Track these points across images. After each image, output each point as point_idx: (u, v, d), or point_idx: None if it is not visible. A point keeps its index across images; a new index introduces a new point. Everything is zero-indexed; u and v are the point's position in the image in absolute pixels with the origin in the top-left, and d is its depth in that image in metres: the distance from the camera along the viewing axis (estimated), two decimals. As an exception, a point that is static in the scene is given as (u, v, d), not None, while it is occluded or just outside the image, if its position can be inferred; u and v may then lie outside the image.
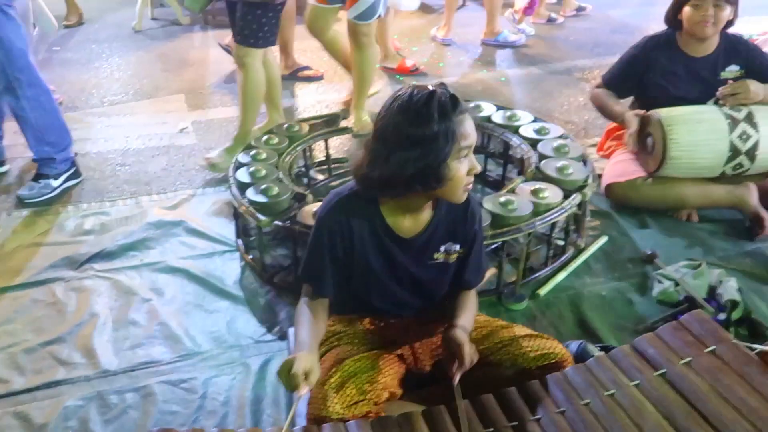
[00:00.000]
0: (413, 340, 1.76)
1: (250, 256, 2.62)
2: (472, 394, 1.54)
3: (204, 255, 2.66)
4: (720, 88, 2.78)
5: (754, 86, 2.72)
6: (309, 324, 1.64)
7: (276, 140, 2.88)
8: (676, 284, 2.37)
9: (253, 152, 2.75)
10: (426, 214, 1.67)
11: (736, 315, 2.22)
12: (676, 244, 2.69)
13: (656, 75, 2.90)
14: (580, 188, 2.53)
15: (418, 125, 1.47)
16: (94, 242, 2.72)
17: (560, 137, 2.86)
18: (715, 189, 2.79)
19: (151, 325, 2.29)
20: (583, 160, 2.71)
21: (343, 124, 3.15)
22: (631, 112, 2.84)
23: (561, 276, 2.49)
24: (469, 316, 1.72)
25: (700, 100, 2.83)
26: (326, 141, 3.08)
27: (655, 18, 3.87)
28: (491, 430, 1.44)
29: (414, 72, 4.56)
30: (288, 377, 1.44)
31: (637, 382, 1.50)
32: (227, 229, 2.79)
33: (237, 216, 2.68)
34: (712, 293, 2.32)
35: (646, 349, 1.57)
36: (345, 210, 1.63)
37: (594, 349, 1.94)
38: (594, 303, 2.38)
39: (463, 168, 1.53)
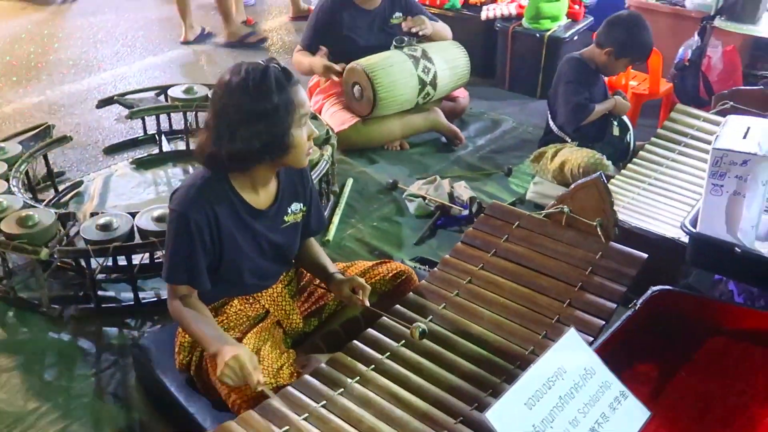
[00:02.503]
0: (284, 303, 1.88)
1: (22, 298, 2.30)
2: (359, 330, 1.75)
3: (-45, 316, 2.25)
4: (403, 24, 3.34)
5: (427, 20, 3.34)
6: (207, 321, 1.66)
7: (-9, 167, 2.51)
8: (424, 199, 2.87)
9: (-25, 185, 2.37)
10: (273, 184, 1.78)
11: (475, 208, 2.80)
12: (403, 170, 3.20)
13: (343, 29, 3.31)
14: (326, 141, 2.82)
15: (259, 100, 1.58)
16: None
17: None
18: (414, 118, 3.37)
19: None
20: (314, 116, 3.00)
21: None
22: (321, 61, 3.29)
23: (336, 220, 2.78)
24: (328, 259, 1.92)
25: (382, 46, 3.34)
26: (45, 156, 2.78)
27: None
28: (403, 342, 1.68)
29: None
30: (237, 374, 1.50)
31: (481, 265, 1.90)
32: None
33: (-13, 260, 2.31)
34: (451, 197, 2.87)
35: (473, 241, 1.98)
36: (205, 198, 1.65)
37: (410, 263, 2.29)
38: (373, 233, 2.74)
39: (303, 134, 1.67)
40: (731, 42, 3.60)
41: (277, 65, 1.62)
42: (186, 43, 4.72)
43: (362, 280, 1.78)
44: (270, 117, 1.59)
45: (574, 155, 2.75)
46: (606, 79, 3.01)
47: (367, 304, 1.74)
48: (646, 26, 2.72)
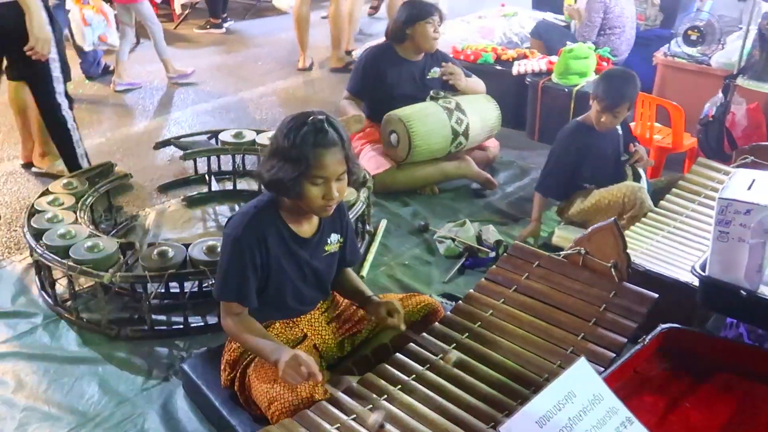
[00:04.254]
0: (321, 329, 2.06)
1: (84, 319, 2.53)
2: (388, 356, 1.92)
3: (25, 332, 2.48)
4: (443, 65, 3.62)
5: (462, 74, 3.62)
6: (261, 334, 1.86)
7: (62, 201, 2.78)
8: (453, 240, 3.04)
9: (48, 215, 2.64)
10: (316, 216, 1.99)
11: (501, 250, 2.96)
12: (435, 213, 3.39)
13: (386, 78, 3.58)
14: (363, 184, 3.04)
15: (284, 141, 1.80)
16: None
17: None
18: (446, 165, 3.58)
19: (15, 414, 2.12)
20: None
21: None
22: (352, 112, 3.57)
23: (370, 257, 2.97)
24: (365, 285, 2.11)
25: (417, 97, 3.58)
26: (108, 192, 3.05)
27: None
28: (441, 355, 1.86)
29: None
30: (297, 371, 1.70)
31: (502, 300, 2.06)
32: (25, 301, 2.64)
33: (52, 283, 2.55)
34: (479, 240, 3.04)
35: (496, 277, 2.14)
36: (258, 225, 1.87)
37: (438, 297, 2.46)
38: (404, 271, 2.92)
39: (316, 192, 1.83)
40: (755, 99, 3.74)
41: (322, 123, 1.78)
42: (303, 70, 5.26)
43: (398, 304, 1.96)
44: (285, 160, 1.79)
45: (611, 191, 2.89)
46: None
47: (403, 327, 1.92)
48: (625, 78, 2.85)
